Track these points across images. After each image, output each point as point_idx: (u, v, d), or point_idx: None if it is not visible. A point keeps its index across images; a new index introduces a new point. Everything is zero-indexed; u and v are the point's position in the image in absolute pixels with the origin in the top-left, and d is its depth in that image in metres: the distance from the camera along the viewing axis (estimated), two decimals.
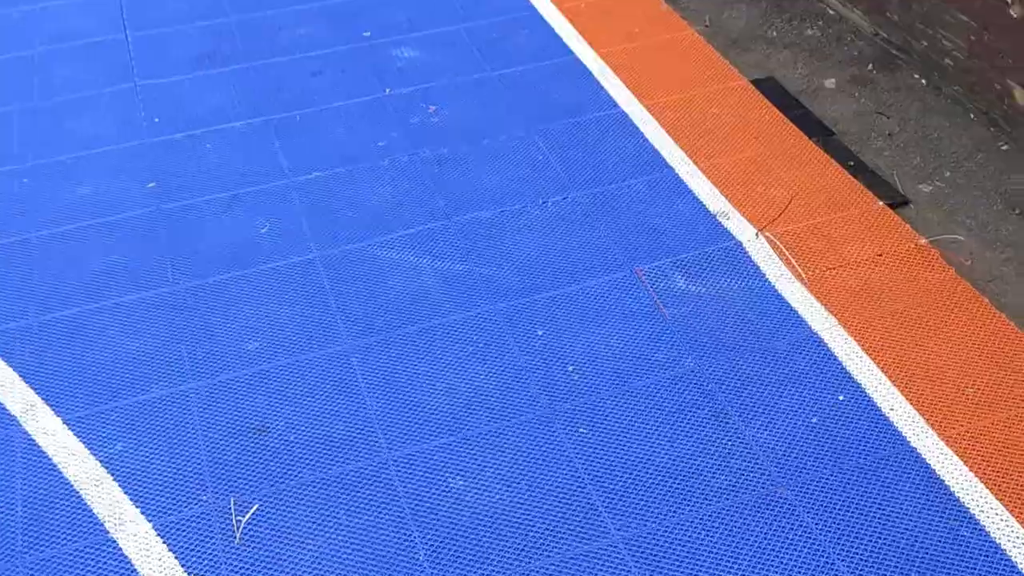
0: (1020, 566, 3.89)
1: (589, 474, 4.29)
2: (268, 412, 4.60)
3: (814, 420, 4.49)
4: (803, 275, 5.22)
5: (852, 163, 6.01)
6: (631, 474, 4.29)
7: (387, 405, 4.61)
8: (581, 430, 4.48)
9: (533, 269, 5.31)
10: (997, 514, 4.07)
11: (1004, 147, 6.11)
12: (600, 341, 4.88)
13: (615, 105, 6.54)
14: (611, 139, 6.25)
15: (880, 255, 5.33)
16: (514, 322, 5.00)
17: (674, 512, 4.14)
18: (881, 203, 5.67)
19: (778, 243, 5.42)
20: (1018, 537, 3.97)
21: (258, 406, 4.62)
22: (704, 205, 5.73)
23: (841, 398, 4.59)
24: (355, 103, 6.66)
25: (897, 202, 5.71)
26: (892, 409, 4.51)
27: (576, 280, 5.24)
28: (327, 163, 6.13)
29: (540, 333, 4.95)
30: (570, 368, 4.76)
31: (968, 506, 4.11)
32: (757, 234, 5.49)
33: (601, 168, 6.02)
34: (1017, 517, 4.06)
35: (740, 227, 5.57)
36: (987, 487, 4.16)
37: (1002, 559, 3.92)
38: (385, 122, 6.46)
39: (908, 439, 4.38)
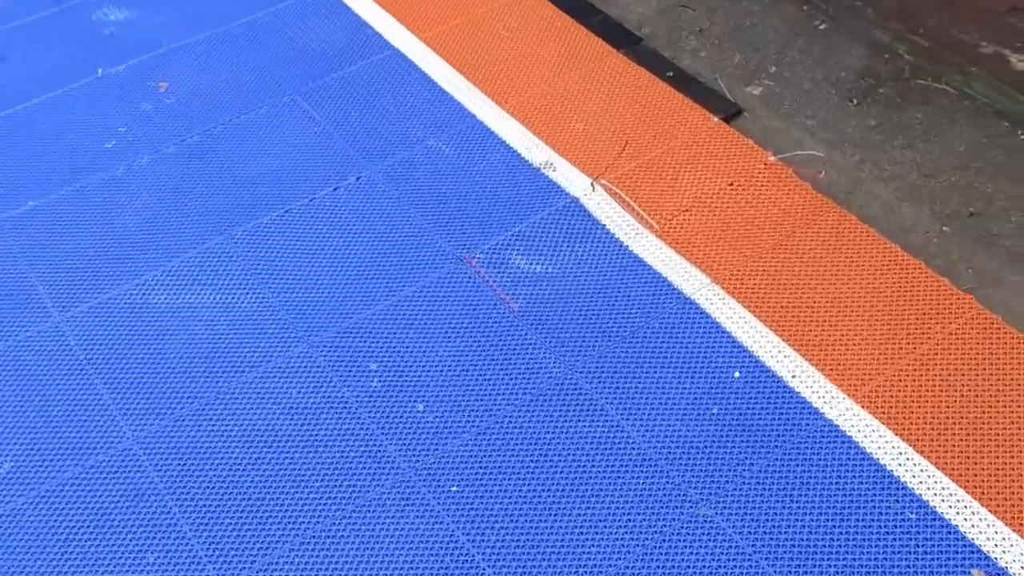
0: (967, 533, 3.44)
1: (468, 536, 3.48)
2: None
3: (715, 410, 3.83)
4: (655, 227, 4.49)
5: (671, 73, 5.27)
6: (513, 529, 3.50)
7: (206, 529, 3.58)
8: (452, 488, 3.63)
9: (343, 282, 4.30)
10: (937, 482, 3.58)
11: (821, 26, 5.54)
12: (446, 361, 4.00)
13: (388, 46, 5.47)
14: (392, 90, 5.21)
15: (731, 184, 4.66)
16: (338, 361, 4.02)
17: (568, 554, 3.41)
18: (715, 119, 4.98)
19: (619, 191, 4.65)
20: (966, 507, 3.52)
21: None
22: (523, 157, 4.85)
23: (737, 375, 3.94)
24: (60, 95, 5.25)
25: (731, 113, 5.04)
26: (794, 376, 3.92)
27: (395, 289, 4.28)
28: (43, 187, 4.78)
29: (374, 368, 4.00)
30: (420, 407, 3.87)
31: (903, 478, 3.59)
32: (592, 185, 4.69)
33: (390, 131, 4.99)
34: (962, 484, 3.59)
35: (571, 179, 4.74)
36: (920, 453, 3.67)
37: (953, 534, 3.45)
38: (106, 115, 5.12)
39: (821, 410, 3.80)
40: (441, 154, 4.86)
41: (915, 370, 3.89)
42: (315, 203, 4.64)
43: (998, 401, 3.78)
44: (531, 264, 4.36)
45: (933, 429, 3.71)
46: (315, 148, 4.89)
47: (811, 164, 4.77)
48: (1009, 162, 4.68)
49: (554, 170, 4.77)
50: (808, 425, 3.75)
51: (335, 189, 4.71)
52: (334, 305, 4.18)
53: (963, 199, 4.54)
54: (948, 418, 3.74)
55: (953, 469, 3.59)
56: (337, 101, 5.14)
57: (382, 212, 4.58)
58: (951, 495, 3.53)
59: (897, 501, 3.53)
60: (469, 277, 4.30)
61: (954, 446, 3.66)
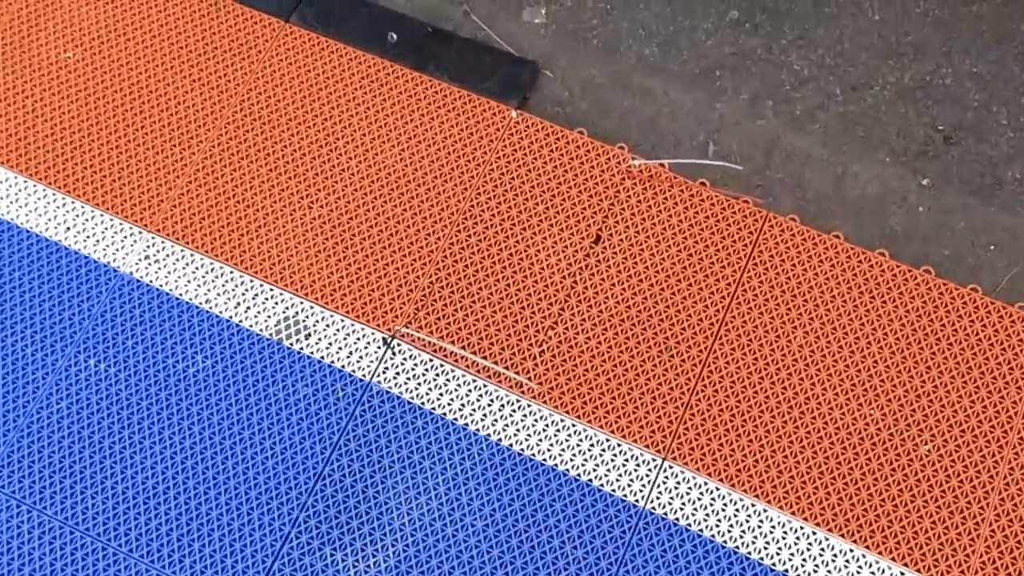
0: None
1: None
2: None
3: None
4: (533, 387, 2.63)
5: (393, 37, 3.08)
6: None
7: None
8: None
9: None
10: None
11: None
12: None
13: None
14: None
15: (604, 250, 2.77)
16: None
17: None
18: (515, 113, 2.94)
19: (422, 337, 2.68)
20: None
21: None
22: (245, 328, 2.72)
23: None
24: None
25: (525, 97, 3.00)
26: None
27: None
28: None
29: None
30: None
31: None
32: (388, 341, 2.69)
33: None
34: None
35: (346, 345, 2.70)
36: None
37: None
38: None
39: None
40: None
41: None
42: None
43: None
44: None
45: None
46: None
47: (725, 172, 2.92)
48: None
49: (308, 337, 2.71)
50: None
51: None
52: None
53: None
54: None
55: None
56: None
57: None
58: None
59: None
60: None
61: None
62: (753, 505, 2.52)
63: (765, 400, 2.62)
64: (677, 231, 2.81)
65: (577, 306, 2.74)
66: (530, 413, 2.65)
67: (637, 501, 2.56)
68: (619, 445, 2.60)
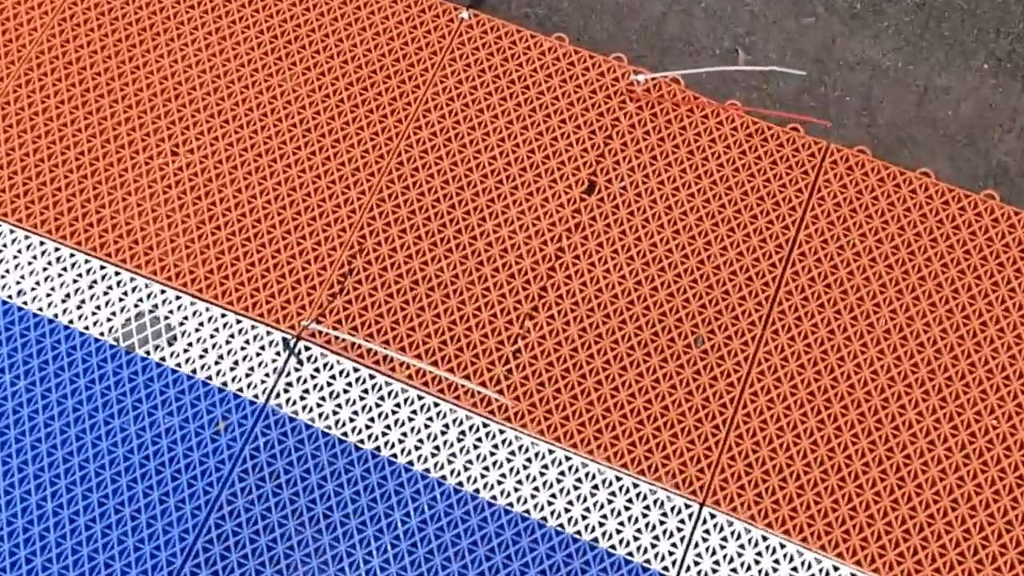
0: None
1: None
2: None
3: None
4: (507, 403, 1.79)
5: None
6: None
7: None
8: None
9: None
10: None
11: None
12: None
13: None
14: None
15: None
16: None
17: None
18: (464, 13, 2.08)
19: (340, 337, 1.83)
20: None
21: None
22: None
23: None
24: None
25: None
26: None
27: None
28: None
29: None
30: None
31: None
32: (291, 344, 1.83)
33: None
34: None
35: (222, 354, 1.84)
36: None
37: None
38: None
39: None
40: None
41: None
42: None
43: None
44: None
45: None
46: None
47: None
48: None
49: (172, 342, 1.84)
50: None
51: None
52: None
53: None
54: None
55: None
56: None
57: None
58: None
59: None
60: None
61: None
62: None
63: (833, 412, 1.81)
64: (701, 173, 1.98)
65: (565, 284, 1.90)
66: (502, 442, 1.81)
67: (666, 569, 1.74)
68: (635, 487, 1.78)
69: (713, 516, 1.77)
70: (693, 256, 1.93)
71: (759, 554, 1.73)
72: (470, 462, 1.81)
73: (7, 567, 1.74)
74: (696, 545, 1.74)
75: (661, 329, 1.88)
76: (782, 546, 1.73)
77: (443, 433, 1.82)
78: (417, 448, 1.81)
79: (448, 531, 1.76)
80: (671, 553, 1.73)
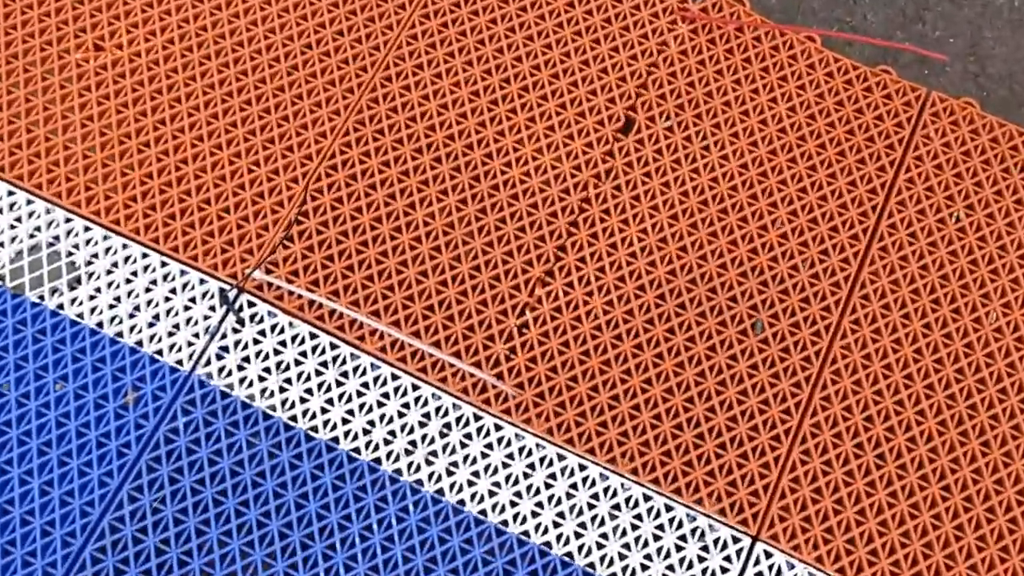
0: None
1: None
2: None
3: None
4: (516, 393, 1.38)
5: None
6: None
7: None
8: None
9: None
10: None
11: None
12: None
13: None
14: None
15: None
16: None
17: None
18: None
19: (295, 292, 1.41)
20: None
21: None
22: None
23: None
24: None
25: None
26: None
27: None
28: None
29: None
30: None
31: None
32: (232, 298, 1.41)
33: None
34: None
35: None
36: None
37: None
38: None
39: None
40: None
41: None
42: None
43: None
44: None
45: None
46: None
47: None
48: None
49: (75, 286, 1.41)
50: None
51: None
52: None
53: None
54: None
55: None
56: None
57: None
58: None
59: None
60: None
61: None
62: None
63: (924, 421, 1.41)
64: (767, 118, 1.57)
65: (590, 244, 1.49)
66: (498, 442, 1.40)
67: None
68: (667, 510, 1.36)
69: (769, 555, 1.35)
70: (753, 219, 1.51)
71: None
72: (455, 465, 1.38)
73: None
74: None
75: (710, 309, 1.46)
76: None
77: (422, 425, 1.40)
78: (387, 443, 1.38)
79: (420, 554, 1.34)
80: None
